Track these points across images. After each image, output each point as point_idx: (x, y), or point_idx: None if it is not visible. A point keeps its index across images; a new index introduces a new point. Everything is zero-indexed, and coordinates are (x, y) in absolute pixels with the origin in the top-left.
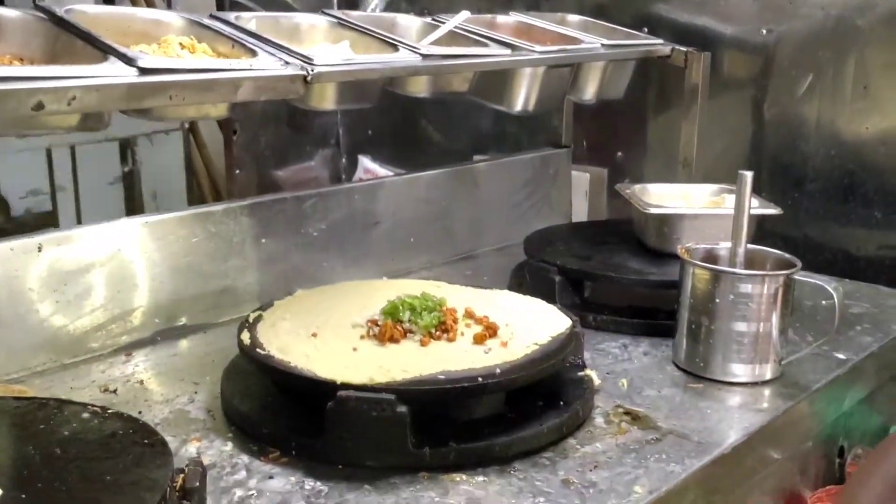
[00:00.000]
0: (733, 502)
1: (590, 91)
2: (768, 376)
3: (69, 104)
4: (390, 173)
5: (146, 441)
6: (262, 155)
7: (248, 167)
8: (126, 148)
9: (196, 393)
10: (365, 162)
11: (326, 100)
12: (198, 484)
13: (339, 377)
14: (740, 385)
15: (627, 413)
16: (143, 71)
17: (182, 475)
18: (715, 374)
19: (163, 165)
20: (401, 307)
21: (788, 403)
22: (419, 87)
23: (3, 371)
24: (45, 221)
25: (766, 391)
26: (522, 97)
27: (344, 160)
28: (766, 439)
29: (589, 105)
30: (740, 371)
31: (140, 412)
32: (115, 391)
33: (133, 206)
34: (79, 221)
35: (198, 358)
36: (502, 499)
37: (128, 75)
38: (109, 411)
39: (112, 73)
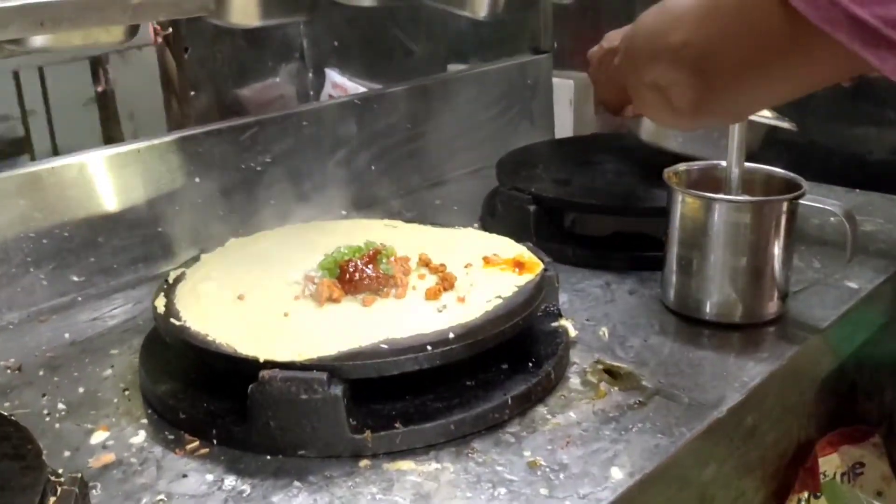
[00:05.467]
0: (732, 462)
1: None
2: (770, 315)
3: None
4: (361, 87)
5: (17, 453)
6: (219, 73)
7: (205, 88)
8: (97, 66)
9: (113, 367)
10: (333, 76)
11: (249, 14)
12: None
13: (263, 353)
14: (738, 327)
15: (608, 370)
16: None
17: (53, 498)
18: (709, 315)
19: (138, 84)
20: (341, 261)
21: (794, 348)
22: None
23: None
24: (19, 148)
25: (768, 333)
26: (487, 0)
27: (311, 75)
28: (768, 392)
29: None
30: (738, 311)
31: (44, 394)
32: (18, 369)
33: (110, 128)
34: (53, 147)
35: (121, 322)
36: (456, 492)
37: None
38: None
39: None
